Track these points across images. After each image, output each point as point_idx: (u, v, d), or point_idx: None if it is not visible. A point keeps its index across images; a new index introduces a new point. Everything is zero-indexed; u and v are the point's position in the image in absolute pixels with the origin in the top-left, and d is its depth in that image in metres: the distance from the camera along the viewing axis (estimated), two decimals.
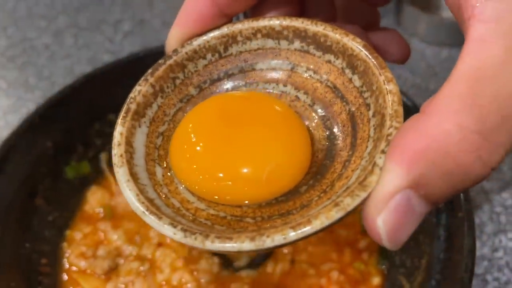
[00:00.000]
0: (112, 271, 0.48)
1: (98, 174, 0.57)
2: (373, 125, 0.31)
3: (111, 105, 0.58)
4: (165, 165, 0.33)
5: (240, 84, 0.35)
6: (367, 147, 0.30)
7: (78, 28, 0.92)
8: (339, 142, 0.33)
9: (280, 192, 0.30)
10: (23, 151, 0.50)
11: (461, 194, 0.42)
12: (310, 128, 0.33)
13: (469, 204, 0.42)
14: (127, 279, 0.48)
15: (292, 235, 0.24)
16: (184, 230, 0.25)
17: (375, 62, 0.30)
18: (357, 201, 0.23)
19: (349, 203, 0.23)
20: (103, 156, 0.58)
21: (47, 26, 0.93)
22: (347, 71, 0.33)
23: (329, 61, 0.33)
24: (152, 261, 0.49)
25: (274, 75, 0.35)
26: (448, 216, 0.43)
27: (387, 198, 0.21)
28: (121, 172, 0.29)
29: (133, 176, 0.30)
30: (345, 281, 0.47)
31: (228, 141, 0.29)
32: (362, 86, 0.32)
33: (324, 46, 0.33)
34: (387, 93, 0.29)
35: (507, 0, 0.21)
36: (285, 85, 0.35)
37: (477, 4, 0.22)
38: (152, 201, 0.29)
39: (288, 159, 0.30)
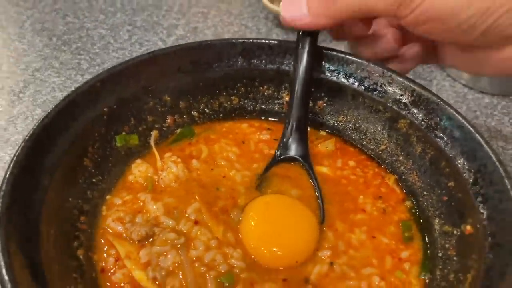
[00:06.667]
0: (147, 239, 0.47)
1: (144, 149, 0.57)
2: None
3: (168, 86, 0.59)
4: None
5: None
6: None
7: (134, 26, 0.96)
8: None
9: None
10: (81, 109, 0.51)
11: None
12: None
13: None
14: (161, 249, 0.46)
15: None
16: None
17: None
18: None
19: None
20: (153, 133, 0.58)
21: (104, 20, 0.97)
22: None
23: None
24: (187, 236, 0.48)
25: None
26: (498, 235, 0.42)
27: None
28: None
29: None
30: (386, 287, 0.45)
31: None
32: None
33: None
34: None
35: None
36: None
37: None
38: None
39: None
